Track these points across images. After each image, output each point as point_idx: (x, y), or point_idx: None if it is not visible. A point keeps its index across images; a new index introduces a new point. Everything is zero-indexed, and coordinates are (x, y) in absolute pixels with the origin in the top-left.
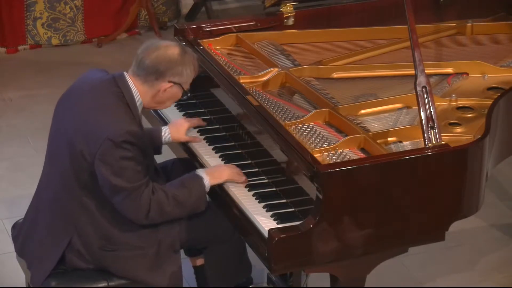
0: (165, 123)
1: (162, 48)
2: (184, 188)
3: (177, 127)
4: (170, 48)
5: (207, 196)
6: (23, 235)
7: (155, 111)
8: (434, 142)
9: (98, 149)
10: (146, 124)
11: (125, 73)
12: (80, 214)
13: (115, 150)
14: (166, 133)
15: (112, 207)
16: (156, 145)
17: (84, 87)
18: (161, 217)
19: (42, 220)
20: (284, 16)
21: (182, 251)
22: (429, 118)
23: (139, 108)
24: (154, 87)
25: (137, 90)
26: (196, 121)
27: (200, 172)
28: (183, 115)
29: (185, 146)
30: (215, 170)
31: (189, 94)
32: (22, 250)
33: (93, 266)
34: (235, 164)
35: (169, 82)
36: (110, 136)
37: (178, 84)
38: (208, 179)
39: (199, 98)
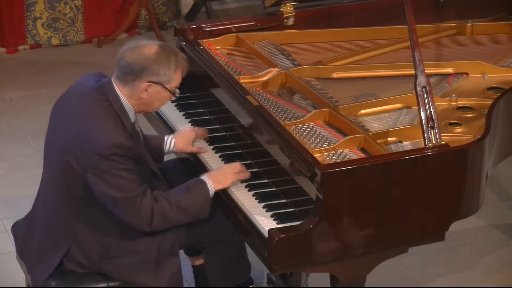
0: (170, 130)
1: (139, 48)
2: (188, 194)
3: (183, 138)
4: (147, 47)
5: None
6: (23, 238)
7: (159, 115)
8: (434, 142)
9: (89, 163)
10: (151, 130)
11: (112, 79)
12: (77, 224)
13: (105, 163)
14: (170, 142)
15: (109, 215)
16: (156, 154)
17: (74, 96)
18: (164, 224)
19: (40, 224)
20: (284, 16)
21: (181, 251)
22: (429, 118)
23: (130, 114)
24: (135, 89)
25: (123, 95)
26: (203, 132)
27: (204, 177)
28: (183, 115)
29: (188, 153)
30: (219, 174)
31: (177, 95)
32: (22, 251)
33: (92, 272)
34: None
35: (148, 82)
36: (98, 150)
37: (158, 83)
38: (212, 184)
39: (199, 98)
